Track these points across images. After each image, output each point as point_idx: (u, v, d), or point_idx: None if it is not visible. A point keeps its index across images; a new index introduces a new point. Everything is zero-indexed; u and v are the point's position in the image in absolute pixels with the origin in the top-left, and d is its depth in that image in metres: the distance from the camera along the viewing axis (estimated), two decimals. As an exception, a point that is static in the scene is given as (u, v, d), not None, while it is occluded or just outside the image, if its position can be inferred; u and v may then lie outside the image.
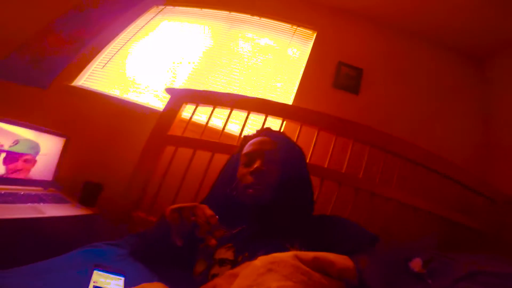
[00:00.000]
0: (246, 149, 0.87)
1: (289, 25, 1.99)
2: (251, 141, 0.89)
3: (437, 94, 1.74)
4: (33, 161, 1.19)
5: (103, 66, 1.88)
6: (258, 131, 0.95)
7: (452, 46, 1.84)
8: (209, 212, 0.60)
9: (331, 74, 1.73)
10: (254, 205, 0.77)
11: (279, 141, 0.88)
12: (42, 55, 1.66)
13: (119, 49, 1.94)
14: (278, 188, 0.76)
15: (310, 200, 0.84)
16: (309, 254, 0.52)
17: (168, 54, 1.94)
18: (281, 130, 1.20)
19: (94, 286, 0.60)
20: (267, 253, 0.64)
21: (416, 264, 0.91)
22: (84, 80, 1.83)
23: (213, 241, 0.56)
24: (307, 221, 0.77)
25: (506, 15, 1.50)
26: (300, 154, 0.92)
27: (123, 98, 1.70)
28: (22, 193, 1.10)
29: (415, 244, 1.14)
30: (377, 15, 1.88)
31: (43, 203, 1.09)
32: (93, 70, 1.88)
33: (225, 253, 0.70)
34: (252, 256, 0.66)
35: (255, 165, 0.79)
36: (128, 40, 1.98)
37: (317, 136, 1.20)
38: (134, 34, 2.00)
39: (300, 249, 0.66)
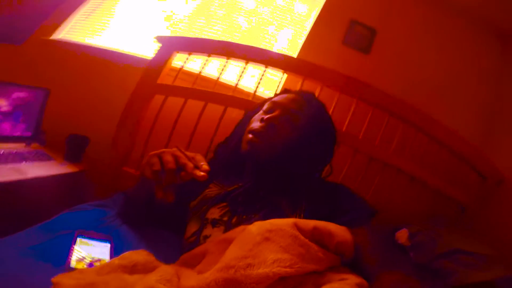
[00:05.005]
0: (276, 98, 0.81)
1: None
2: (284, 94, 0.83)
3: (451, 63, 1.63)
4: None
5: (87, 17, 1.71)
6: (299, 90, 0.89)
7: (475, 16, 1.66)
8: (199, 157, 0.52)
9: (342, 31, 1.58)
10: (252, 160, 0.74)
11: (313, 110, 0.80)
12: (13, 11, 1.48)
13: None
14: (281, 150, 0.72)
15: (318, 167, 0.82)
16: (309, 224, 0.50)
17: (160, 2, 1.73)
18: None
19: (77, 257, 0.57)
20: (264, 216, 0.65)
21: (402, 235, 0.95)
22: (66, 33, 1.68)
23: (201, 173, 0.48)
24: (310, 186, 0.74)
25: None
26: (332, 133, 0.84)
27: (109, 49, 1.58)
28: (2, 152, 1.04)
29: (405, 213, 1.17)
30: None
31: (26, 161, 1.05)
32: (75, 22, 1.71)
33: (218, 213, 0.68)
34: (248, 219, 0.66)
35: (271, 115, 0.73)
36: None
37: (320, 92, 1.14)
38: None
39: (300, 216, 0.65)
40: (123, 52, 1.57)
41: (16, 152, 1.08)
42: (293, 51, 1.62)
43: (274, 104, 0.78)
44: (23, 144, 1.17)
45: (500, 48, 1.68)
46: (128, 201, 0.77)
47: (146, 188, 0.63)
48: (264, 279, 0.40)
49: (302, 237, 0.48)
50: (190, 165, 0.49)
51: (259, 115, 0.79)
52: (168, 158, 0.49)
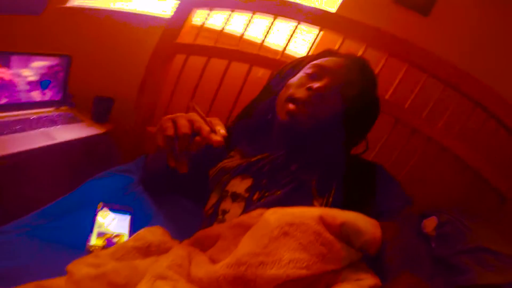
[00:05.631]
0: (321, 60, 0.70)
1: None
2: (329, 58, 0.71)
3: None
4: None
5: None
6: (347, 54, 0.76)
7: None
8: (217, 121, 0.48)
9: None
10: (290, 129, 0.65)
11: (366, 79, 0.70)
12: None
13: None
14: (325, 124, 0.64)
15: (356, 143, 0.74)
16: (337, 218, 0.45)
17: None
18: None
19: (97, 233, 0.59)
20: (287, 193, 0.59)
21: (429, 224, 0.88)
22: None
23: (217, 137, 0.43)
24: (344, 165, 0.66)
25: None
26: (377, 110, 0.74)
27: (126, 11, 1.51)
28: (32, 117, 1.08)
29: (440, 196, 1.07)
30: None
31: (55, 125, 1.09)
32: None
33: (240, 185, 0.63)
34: (270, 195, 0.61)
35: (320, 83, 0.63)
36: None
37: (363, 53, 0.98)
38: None
39: (328, 200, 0.59)
40: (142, 12, 1.50)
41: (46, 116, 1.12)
42: (332, 7, 1.41)
43: (320, 69, 0.66)
44: (53, 108, 1.22)
45: None
46: (146, 170, 0.76)
47: (162, 156, 0.59)
48: (276, 280, 0.38)
49: (326, 234, 0.43)
50: (206, 128, 0.44)
51: (300, 78, 0.67)
52: (183, 122, 0.45)
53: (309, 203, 0.59)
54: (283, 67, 0.80)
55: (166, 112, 1.11)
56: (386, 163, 0.96)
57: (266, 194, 0.61)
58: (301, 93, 0.63)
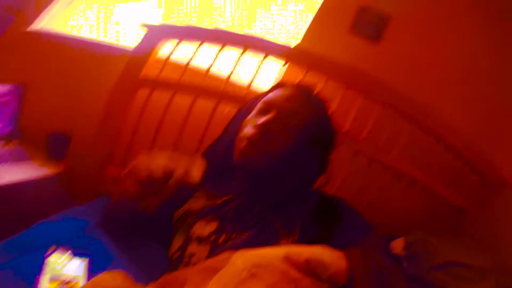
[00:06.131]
0: (269, 95, 0.71)
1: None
2: (278, 91, 0.72)
3: (468, 55, 1.50)
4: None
5: (67, 5, 1.59)
6: (295, 84, 0.78)
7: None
8: (192, 162, 0.48)
9: (351, 16, 1.45)
10: (245, 169, 0.66)
11: (313, 107, 0.71)
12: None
13: None
14: (278, 160, 0.64)
15: (316, 177, 0.74)
16: (302, 255, 0.45)
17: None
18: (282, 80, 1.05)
19: (49, 277, 0.54)
20: (254, 235, 0.59)
21: (397, 245, 0.93)
22: (45, 23, 1.56)
23: (193, 177, 0.44)
24: (306, 201, 0.68)
25: None
26: (331, 136, 0.75)
27: (91, 39, 1.49)
28: None
29: (403, 219, 1.14)
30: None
31: (3, 163, 1.01)
32: (56, 10, 1.59)
33: (205, 228, 0.62)
34: (237, 237, 0.60)
35: (266, 117, 0.64)
36: None
37: (324, 85, 1.05)
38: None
39: (293, 237, 0.60)
40: (106, 42, 1.48)
41: (-8, 152, 1.03)
42: (295, 39, 1.52)
43: (268, 103, 0.68)
44: (1, 143, 1.12)
45: None
46: (107, 213, 0.72)
47: (127, 201, 0.57)
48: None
49: (292, 272, 0.43)
50: (180, 171, 0.44)
51: (252, 116, 0.69)
52: (154, 166, 0.45)
53: (276, 243, 0.59)
54: (243, 105, 0.82)
55: (128, 151, 1.07)
56: (349, 194, 1.01)
57: (233, 236, 0.61)
58: (248, 132, 0.64)
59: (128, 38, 1.51)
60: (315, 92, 0.77)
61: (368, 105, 1.08)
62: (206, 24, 1.52)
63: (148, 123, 1.08)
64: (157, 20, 1.53)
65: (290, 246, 0.56)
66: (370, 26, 1.46)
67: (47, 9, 1.54)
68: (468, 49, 1.51)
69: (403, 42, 1.47)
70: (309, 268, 0.45)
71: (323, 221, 0.64)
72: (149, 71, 1.11)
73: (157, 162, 0.45)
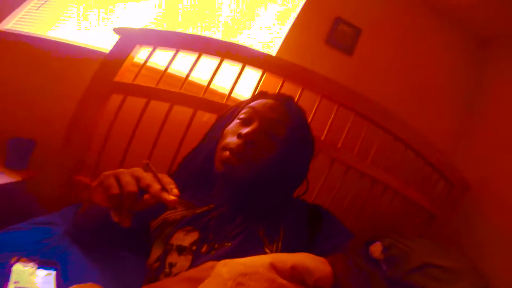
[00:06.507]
0: (251, 105, 0.72)
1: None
2: (260, 100, 0.73)
3: (430, 66, 1.69)
4: None
5: (38, 7, 1.52)
6: (277, 94, 0.79)
7: (457, 22, 1.72)
8: (167, 179, 0.46)
9: (326, 29, 1.56)
10: (227, 179, 0.66)
11: (295, 117, 0.73)
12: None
13: None
14: (261, 170, 0.65)
15: (296, 186, 0.76)
16: (287, 262, 0.46)
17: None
18: (258, 87, 1.06)
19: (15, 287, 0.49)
20: (238, 244, 0.59)
21: (376, 249, 0.96)
22: (14, 23, 1.48)
23: (171, 197, 0.42)
24: (288, 209, 0.69)
25: None
26: (311, 145, 0.78)
27: (62, 41, 1.41)
28: None
29: (378, 223, 1.19)
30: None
31: None
32: (26, 12, 1.53)
33: (185, 239, 0.61)
34: (220, 247, 0.59)
35: (249, 128, 0.65)
36: None
37: (299, 95, 1.09)
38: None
39: (277, 245, 0.61)
40: (78, 43, 1.41)
41: None
42: (273, 49, 1.56)
43: (251, 113, 0.69)
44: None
45: (480, 54, 1.75)
46: (77, 223, 0.68)
47: (98, 213, 0.55)
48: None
49: (279, 279, 0.43)
50: (157, 187, 0.43)
51: (234, 125, 0.70)
52: (128, 179, 0.42)
53: (261, 251, 0.59)
54: (222, 113, 0.81)
55: (99, 159, 1.01)
56: (326, 200, 1.04)
57: (215, 246, 0.60)
58: (233, 142, 0.64)
59: (103, 41, 1.45)
60: (295, 102, 0.79)
61: (343, 114, 1.12)
62: (186, 31, 1.51)
63: (121, 130, 1.02)
64: (134, 24, 1.51)
65: (275, 254, 0.56)
66: (344, 39, 1.55)
67: (16, 10, 1.47)
68: (434, 60, 1.68)
69: (374, 53, 1.58)
70: (294, 275, 0.45)
71: (305, 228, 0.65)
72: (124, 76, 1.07)
73: (129, 176, 0.43)
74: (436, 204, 1.28)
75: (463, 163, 1.44)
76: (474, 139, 1.58)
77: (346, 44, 1.55)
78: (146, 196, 0.42)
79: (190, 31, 1.53)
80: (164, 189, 0.43)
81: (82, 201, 0.78)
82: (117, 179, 0.43)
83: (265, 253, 0.59)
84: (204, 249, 0.59)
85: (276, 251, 0.59)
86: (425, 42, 1.69)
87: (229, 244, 0.60)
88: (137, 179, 0.43)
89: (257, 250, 0.59)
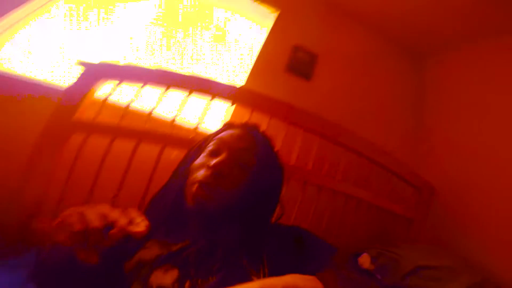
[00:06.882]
0: (218, 136, 0.72)
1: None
2: (227, 131, 0.74)
3: (379, 84, 1.90)
4: None
5: None
6: (243, 124, 0.80)
7: (396, 40, 1.99)
8: (134, 213, 0.45)
9: (286, 57, 1.69)
10: (199, 213, 0.64)
11: (261, 145, 0.74)
12: None
13: (16, 22, 1.46)
14: (233, 200, 0.65)
15: (272, 211, 0.76)
16: (277, 285, 0.45)
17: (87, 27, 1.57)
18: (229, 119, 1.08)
19: None
20: (223, 278, 0.56)
21: (365, 260, 0.97)
22: None
23: (139, 228, 0.42)
24: (268, 235, 0.69)
25: (447, 17, 1.66)
26: (280, 172, 0.79)
27: (11, 74, 1.31)
28: None
29: (358, 237, 1.21)
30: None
31: None
32: None
33: (165, 277, 0.57)
34: (204, 282, 0.56)
35: (217, 159, 0.65)
36: (33, 11, 1.50)
37: (268, 123, 1.12)
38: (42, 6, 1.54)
39: (264, 272, 0.59)
40: (33, 79, 1.32)
41: None
42: (239, 80, 1.64)
43: (218, 144, 0.70)
44: None
45: (416, 68, 2.02)
46: (41, 266, 0.61)
47: (63, 253, 0.52)
48: None
49: (272, 304, 0.42)
50: (124, 221, 0.42)
51: (202, 158, 0.70)
52: (92, 215, 0.42)
53: (248, 280, 0.57)
54: (190, 148, 0.81)
55: (60, 201, 0.93)
56: (305, 223, 1.05)
57: (199, 282, 0.57)
58: (201, 175, 0.64)
59: (62, 76, 1.37)
60: (261, 131, 0.82)
61: (308, 138, 1.18)
62: (150, 63, 1.53)
63: (85, 169, 0.96)
64: (94, 58, 1.47)
65: (263, 280, 0.55)
66: (302, 65, 1.68)
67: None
68: (382, 77, 1.90)
69: (330, 77, 1.75)
70: (286, 296, 0.44)
71: (288, 251, 0.65)
72: (85, 113, 1.02)
73: (93, 212, 0.42)
74: (409, 209, 1.35)
75: (424, 169, 1.58)
76: (429, 144, 1.75)
77: (305, 70, 1.69)
78: (112, 231, 0.41)
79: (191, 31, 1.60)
80: (131, 222, 0.43)
81: (43, 243, 0.70)
82: (81, 215, 0.42)
83: (252, 281, 0.57)
84: (187, 285, 0.56)
85: (264, 278, 0.58)
86: (372, 62, 1.92)
87: (214, 278, 0.57)
88: (102, 215, 0.42)
89: (244, 280, 0.57)
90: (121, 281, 0.59)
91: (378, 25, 1.93)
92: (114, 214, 0.43)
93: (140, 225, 0.43)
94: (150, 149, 1.01)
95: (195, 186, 0.63)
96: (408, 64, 2.02)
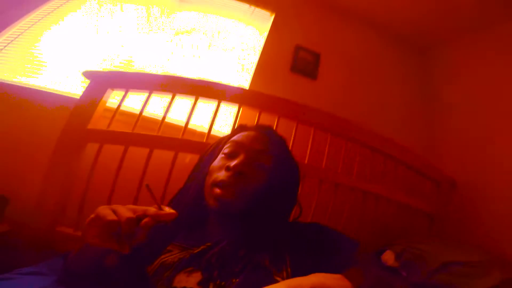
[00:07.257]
0: (234, 138, 0.73)
1: (247, 5, 1.88)
2: (242, 133, 0.75)
3: (386, 80, 1.87)
4: None
5: (1, 49, 1.51)
6: (256, 125, 0.81)
7: (398, 35, 1.98)
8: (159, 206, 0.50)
9: (289, 58, 1.69)
10: (221, 214, 0.65)
11: (277, 145, 0.75)
12: None
13: (25, 30, 1.57)
14: (255, 200, 0.65)
15: (290, 210, 0.76)
16: (304, 286, 0.44)
17: (96, 36, 1.63)
18: (236, 120, 1.07)
19: None
20: (245, 279, 0.56)
21: (388, 257, 0.94)
22: None
23: (169, 209, 0.48)
24: (289, 233, 0.68)
25: (447, 10, 1.65)
26: (296, 170, 0.79)
27: (29, 86, 1.36)
28: None
29: (379, 233, 1.19)
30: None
31: None
32: None
33: (189, 281, 0.57)
34: (227, 285, 0.56)
35: (237, 160, 0.66)
36: (41, 19, 1.62)
37: (277, 123, 1.12)
38: (49, 13, 1.65)
39: (287, 272, 0.59)
40: (50, 90, 1.36)
41: None
42: (244, 82, 1.64)
43: (235, 146, 0.71)
44: None
45: (421, 60, 2.00)
46: (70, 270, 0.62)
47: (92, 254, 0.55)
48: None
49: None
50: (152, 210, 0.47)
51: (220, 160, 0.70)
52: (123, 209, 0.47)
53: (271, 281, 0.56)
54: (203, 152, 0.82)
55: (81, 209, 0.95)
56: (323, 220, 1.03)
57: (223, 284, 0.57)
58: (222, 176, 0.65)
59: (73, 86, 1.42)
60: (275, 131, 0.82)
61: (320, 136, 1.17)
62: (157, 71, 1.54)
63: (102, 178, 0.98)
64: (102, 67, 1.51)
65: (289, 280, 0.54)
66: (306, 65, 1.67)
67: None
68: (387, 71, 1.88)
69: (335, 75, 1.73)
70: (315, 296, 0.44)
71: (310, 248, 0.64)
72: (99, 122, 1.04)
73: (123, 206, 0.47)
74: (429, 203, 1.32)
75: (444, 162, 1.54)
76: (444, 138, 1.70)
77: (310, 70, 1.69)
78: (144, 221, 0.45)
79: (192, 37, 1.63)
80: (159, 211, 0.48)
81: (69, 248, 0.72)
82: (113, 209, 0.46)
83: (276, 282, 0.57)
84: None
85: (287, 278, 0.57)
86: (376, 57, 1.90)
87: (237, 280, 0.57)
88: (132, 209, 0.47)
89: (267, 280, 0.56)
90: (145, 285, 0.59)
91: (378, 21, 1.92)
92: (143, 208, 0.47)
93: (169, 212, 0.47)
94: (164, 154, 1.02)
95: (217, 188, 0.64)
96: (413, 57, 1.99)
